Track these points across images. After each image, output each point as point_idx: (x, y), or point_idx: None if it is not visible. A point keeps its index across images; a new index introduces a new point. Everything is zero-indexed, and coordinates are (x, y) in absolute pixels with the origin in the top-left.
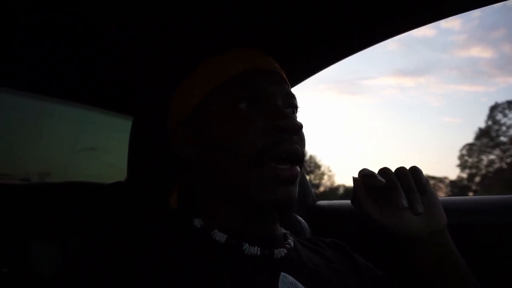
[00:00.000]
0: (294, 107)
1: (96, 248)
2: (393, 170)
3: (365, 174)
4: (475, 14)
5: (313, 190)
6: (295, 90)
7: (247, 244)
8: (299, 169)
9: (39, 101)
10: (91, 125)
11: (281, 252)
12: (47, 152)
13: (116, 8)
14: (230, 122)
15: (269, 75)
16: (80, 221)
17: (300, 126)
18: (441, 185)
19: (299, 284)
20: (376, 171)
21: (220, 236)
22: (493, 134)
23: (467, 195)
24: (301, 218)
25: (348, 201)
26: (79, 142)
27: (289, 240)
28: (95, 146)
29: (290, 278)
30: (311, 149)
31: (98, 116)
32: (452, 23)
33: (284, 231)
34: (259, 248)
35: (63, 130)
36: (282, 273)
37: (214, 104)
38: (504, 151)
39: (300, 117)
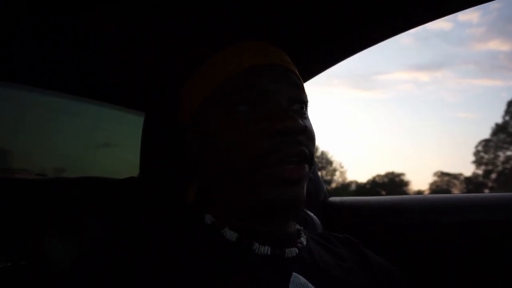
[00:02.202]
0: (302, 102)
1: (108, 247)
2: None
3: None
4: (494, 5)
5: (325, 186)
6: (307, 85)
7: (257, 244)
8: (307, 168)
9: (56, 98)
10: (105, 121)
11: (292, 252)
12: (63, 148)
13: (128, 4)
14: (229, 127)
15: (271, 71)
16: (93, 216)
17: (302, 128)
18: (455, 182)
19: (310, 285)
20: (388, 168)
21: (230, 235)
22: (511, 129)
23: (483, 192)
24: (313, 214)
25: (361, 198)
26: (94, 138)
27: (302, 238)
28: (110, 142)
29: (302, 279)
30: (323, 145)
31: (113, 113)
32: (470, 16)
33: (298, 227)
34: (269, 248)
35: (78, 127)
36: (293, 273)
37: (214, 107)
38: None
39: (312, 112)
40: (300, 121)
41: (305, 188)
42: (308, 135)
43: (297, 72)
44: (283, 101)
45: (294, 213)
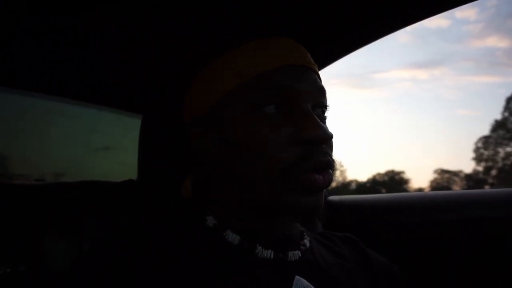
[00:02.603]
0: (323, 106)
1: (107, 248)
2: (406, 164)
3: None
4: (491, 2)
5: None
6: None
7: (260, 247)
8: (331, 174)
9: (54, 101)
10: (104, 124)
11: (295, 255)
12: (61, 152)
13: (125, 7)
14: (254, 128)
15: (302, 73)
16: (92, 217)
17: (330, 136)
18: (456, 178)
19: (313, 287)
20: (388, 167)
21: (232, 238)
22: (510, 125)
23: (484, 188)
24: None
25: (360, 196)
26: (92, 142)
27: (305, 241)
28: (109, 146)
29: (305, 282)
30: None
31: (111, 116)
32: (467, 13)
33: (302, 228)
34: (272, 252)
35: (76, 130)
36: (296, 276)
37: (237, 105)
38: None
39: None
40: (327, 130)
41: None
42: (330, 144)
43: (318, 73)
44: (309, 104)
45: (310, 218)
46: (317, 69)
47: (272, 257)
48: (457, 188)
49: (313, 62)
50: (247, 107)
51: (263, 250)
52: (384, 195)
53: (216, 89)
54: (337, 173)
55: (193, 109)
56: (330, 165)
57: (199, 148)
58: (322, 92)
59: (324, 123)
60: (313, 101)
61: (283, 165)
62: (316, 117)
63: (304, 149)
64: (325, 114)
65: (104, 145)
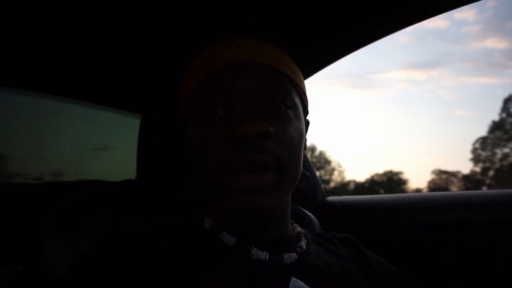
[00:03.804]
0: (280, 102)
1: (105, 248)
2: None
3: None
4: (490, 3)
5: (323, 186)
6: None
7: (255, 249)
8: (271, 176)
9: (51, 101)
10: (102, 124)
11: (291, 257)
12: (60, 151)
13: (124, 7)
14: (200, 131)
15: (245, 71)
16: (90, 218)
17: (260, 132)
18: (454, 179)
19: None
20: (386, 167)
21: (228, 239)
22: (507, 127)
23: (481, 190)
24: (311, 214)
25: (359, 197)
26: (91, 142)
27: (302, 242)
28: (107, 145)
29: (301, 283)
30: (321, 144)
31: (110, 115)
32: (466, 14)
33: (299, 229)
34: (267, 253)
35: (75, 130)
36: (292, 278)
37: (193, 108)
38: None
39: (310, 112)
40: (261, 124)
41: (276, 196)
42: (280, 139)
43: (285, 69)
44: (255, 103)
45: (263, 222)
46: (275, 62)
47: (267, 258)
48: (454, 189)
49: (268, 56)
50: (200, 111)
51: (258, 251)
52: (382, 196)
53: (182, 95)
54: (336, 173)
55: (180, 114)
56: (263, 163)
57: (187, 151)
58: (273, 87)
59: (280, 120)
60: (262, 98)
61: (217, 164)
62: (255, 113)
63: (237, 146)
64: (288, 110)
65: (103, 145)
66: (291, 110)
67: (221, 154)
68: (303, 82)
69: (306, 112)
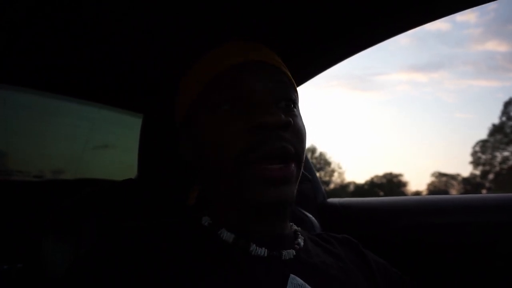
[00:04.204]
0: (288, 100)
1: (105, 248)
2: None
3: None
4: (491, 6)
5: (323, 187)
6: (305, 86)
7: (254, 245)
8: (293, 167)
9: (52, 99)
10: (103, 123)
11: (289, 253)
12: (60, 149)
13: (128, 5)
14: (211, 126)
15: (254, 69)
16: (91, 218)
17: (284, 122)
18: (453, 182)
19: (307, 286)
20: (386, 169)
21: (227, 236)
22: (507, 130)
23: (481, 193)
24: (311, 216)
25: (359, 199)
26: (91, 140)
27: (299, 240)
28: (108, 144)
29: (299, 280)
30: (321, 146)
31: (111, 114)
32: (467, 16)
33: (296, 228)
34: (266, 250)
35: (76, 128)
36: (291, 274)
37: (201, 107)
38: None
39: (311, 113)
40: (283, 116)
41: (295, 188)
42: (294, 132)
43: (286, 70)
44: (268, 99)
45: (282, 214)
46: (279, 64)
47: (266, 255)
48: (454, 192)
49: (273, 58)
50: (208, 108)
51: (257, 248)
52: (382, 199)
53: (186, 96)
54: (336, 174)
55: (176, 116)
56: (285, 152)
57: (186, 152)
58: (282, 84)
59: (292, 115)
60: (271, 95)
61: (237, 152)
62: (271, 105)
63: (258, 135)
64: (294, 107)
65: (104, 143)
66: (295, 106)
67: (242, 142)
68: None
69: None
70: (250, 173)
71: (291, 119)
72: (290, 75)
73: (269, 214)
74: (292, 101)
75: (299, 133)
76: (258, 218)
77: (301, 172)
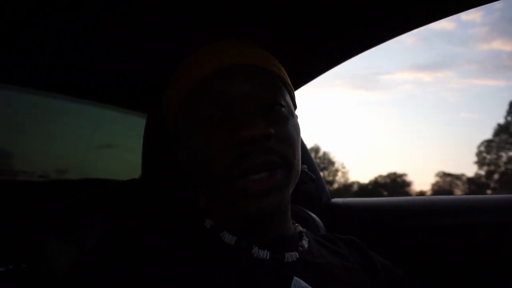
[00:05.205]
0: (274, 103)
1: (106, 248)
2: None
3: None
4: (497, 5)
5: (327, 187)
6: (309, 86)
7: (256, 248)
8: (280, 173)
9: (57, 99)
10: (107, 123)
11: (292, 256)
12: (65, 149)
13: (130, 5)
14: (196, 140)
15: (235, 74)
16: (94, 218)
17: (262, 135)
18: (458, 182)
19: None
20: (390, 169)
21: (229, 238)
22: None
23: (485, 193)
24: (315, 216)
25: (363, 199)
26: (96, 140)
27: (304, 241)
28: (112, 144)
29: (303, 283)
30: (325, 145)
31: (115, 114)
32: (472, 15)
33: (301, 229)
34: (268, 252)
35: (80, 128)
36: (294, 277)
37: (187, 114)
38: None
39: (314, 113)
40: (261, 126)
41: (284, 194)
42: (280, 138)
43: (275, 69)
44: (250, 105)
45: (276, 220)
46: (265, 63)
47: (268, 257)
48: (459, 192)
49: (259, 59)
50: (194, 119)
51: (259, 250)
52: (386, 199)
53: (171, 103)
54: (339, 174)
55: (168, 121)
56: (270, 163)
57: (180, 159)
58: (265, 87)
59: (277, 119)
60: (256, 100)
61: (219, 170)
62: (251, 115)
63: (240, 150)
64: (282, 109)
65: (108, 143)
66: (285, 108)
67: (224, 160)
68: (288, 78)
69: (294, 107)
70: (232, 188)
71: (271, 129)
72: (281, 74)
73: (259, 223)
74: (278, 103)
75: (285, 138)
76: (253, 224)
77: (296, 174)
